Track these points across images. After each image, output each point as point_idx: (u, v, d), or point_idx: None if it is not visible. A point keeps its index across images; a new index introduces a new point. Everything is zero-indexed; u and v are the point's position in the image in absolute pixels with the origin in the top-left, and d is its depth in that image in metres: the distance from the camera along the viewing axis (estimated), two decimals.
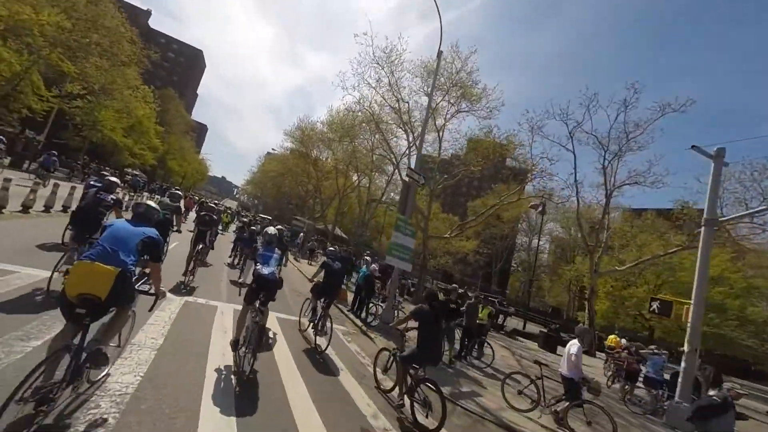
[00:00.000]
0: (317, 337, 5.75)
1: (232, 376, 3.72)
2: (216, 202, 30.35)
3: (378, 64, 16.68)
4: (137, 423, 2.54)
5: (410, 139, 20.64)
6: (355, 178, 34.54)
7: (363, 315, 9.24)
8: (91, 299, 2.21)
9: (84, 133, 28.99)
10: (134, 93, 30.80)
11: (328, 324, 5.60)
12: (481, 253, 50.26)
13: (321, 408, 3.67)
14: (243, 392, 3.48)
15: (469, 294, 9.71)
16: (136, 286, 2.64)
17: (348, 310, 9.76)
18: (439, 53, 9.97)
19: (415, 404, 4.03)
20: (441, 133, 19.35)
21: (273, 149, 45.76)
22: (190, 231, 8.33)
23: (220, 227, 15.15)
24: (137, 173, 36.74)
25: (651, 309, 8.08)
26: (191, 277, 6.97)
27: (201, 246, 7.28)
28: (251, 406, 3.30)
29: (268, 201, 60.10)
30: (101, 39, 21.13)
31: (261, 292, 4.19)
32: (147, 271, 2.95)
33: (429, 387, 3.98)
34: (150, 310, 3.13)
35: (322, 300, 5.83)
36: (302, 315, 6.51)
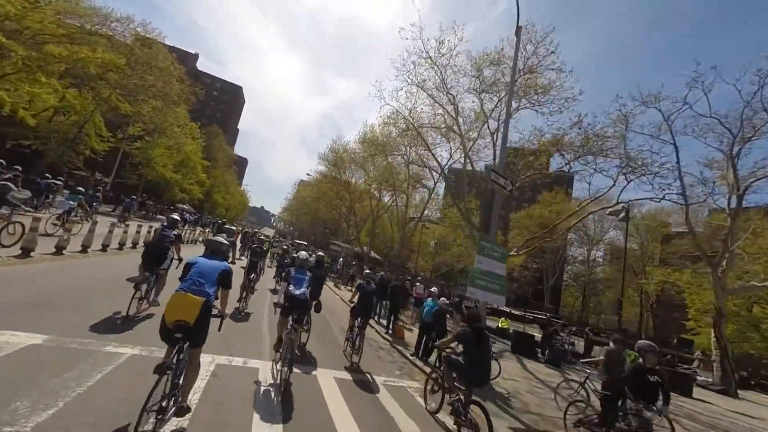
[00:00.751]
0: (353, 355, 6.15)
1: (272, 390, 4.04)
2: (256, 230, 30.76)
3: (430, 57, 14.83)
4: None
5: (458, 145, 19.06)
6: (387, 199, 33.36)
7: (434, 361, 7.34)
8: (183, 325, 2.64)
9: (140, 172, 31.09)
10: (182, 130, 32.84)
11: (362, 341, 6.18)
12: (529, 268, 45.63)
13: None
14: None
15: (611, 336, 7.11)
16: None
17: (412, 355, 7.82)
18: (518, 29, 8.26)
19: (462, 428, 4.00)
20: (495, 137, 17.46)
21: (308, 174, 46.44)
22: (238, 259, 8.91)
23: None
24: (186, 207, 38.75)
25: None
26: (245, 303, 7.42)
27: (253, 275, 7.88)
28: None
29: (303, 227, 60.81)
30: (156, 80, 22.70)
31: (294, 311, 4.59)
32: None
33: (477, 410, 3.99)
34: (219, 330, 3.23)
35: (358, 319, 6.29)
36: (346, 337, 6.82)
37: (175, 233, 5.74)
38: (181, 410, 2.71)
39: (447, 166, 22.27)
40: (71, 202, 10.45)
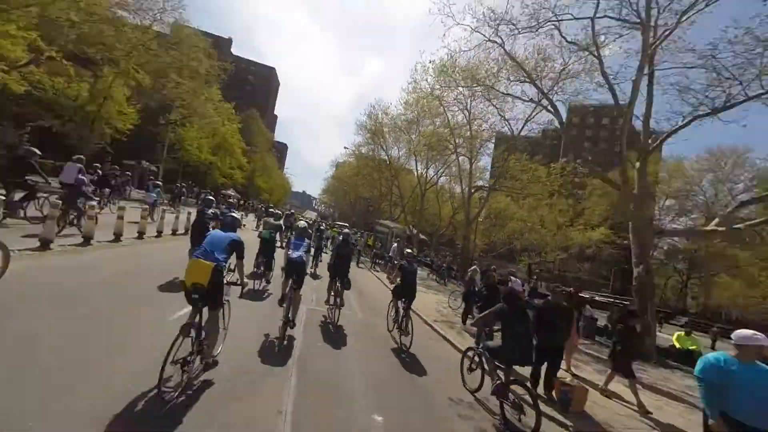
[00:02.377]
0: (402, 337, 5.88)
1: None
2: (292, 211, 28.53)
3: None
4: None
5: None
6: (431, 171, 28.28)
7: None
8: (199, 287, 3.07)
9: (176, 155, 30.20)
10: (217, 111, 31.30)
11: (411, 324, 5.93)
12: (613, 243, 36.72)
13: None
14: None
15: None
16: (227, 279, 3.46)
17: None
18: None
19: (505, 405, 3.81)
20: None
21: (345, 147, 43.10)
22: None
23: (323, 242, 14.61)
24: (231, 193, 38.91)
25: None
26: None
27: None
28: None
29: (344, 208, 58.88)
30: (180, 55, 21.16)
31: (292, 274, 4.96)
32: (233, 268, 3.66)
33: (522, 389, 3.82)
34: (240, 297, 4.27)
35: (403, 300, 6.09)
36: (388, 316, 6.66)
37: (213, 212, 6.69)
38: (208, 366, 3.38)
39: (530, 118, 16.24)
40: (153, 194, 12.72)
